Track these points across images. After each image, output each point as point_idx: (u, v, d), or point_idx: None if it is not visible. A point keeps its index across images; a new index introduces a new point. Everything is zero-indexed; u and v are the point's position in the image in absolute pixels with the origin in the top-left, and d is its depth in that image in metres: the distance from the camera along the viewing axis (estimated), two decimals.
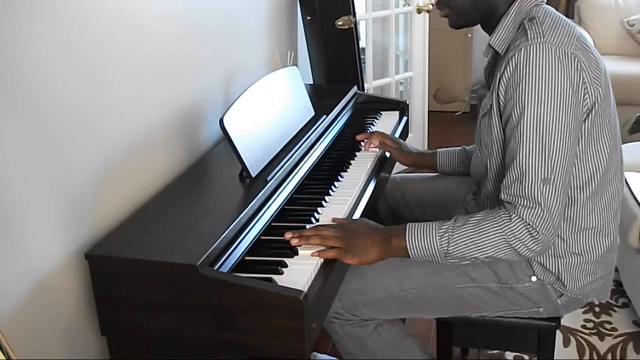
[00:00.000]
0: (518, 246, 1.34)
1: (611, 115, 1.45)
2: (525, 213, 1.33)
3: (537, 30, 1.36)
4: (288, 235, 1.38)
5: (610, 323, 2.31)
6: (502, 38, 1.47)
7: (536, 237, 1.33)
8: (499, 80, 1.40)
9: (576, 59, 1.34)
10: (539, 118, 1.32)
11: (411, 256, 1.41)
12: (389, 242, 1.41)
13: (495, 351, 2.15)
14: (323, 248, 1.38)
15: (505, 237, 1.34)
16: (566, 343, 2.20)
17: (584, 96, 1.36)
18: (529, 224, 1.33)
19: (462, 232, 1.37)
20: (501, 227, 1.35)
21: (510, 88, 1.36)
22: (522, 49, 1.34)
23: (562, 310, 1.57)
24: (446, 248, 1.38)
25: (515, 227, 1.33)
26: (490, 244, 1.35)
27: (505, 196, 1.37)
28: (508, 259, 1.39)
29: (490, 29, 1.51)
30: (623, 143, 1.57)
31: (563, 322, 1.66)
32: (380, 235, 1.42)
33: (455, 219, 1.40)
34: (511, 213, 1.34)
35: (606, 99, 1.42)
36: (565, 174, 1.35)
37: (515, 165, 1.35)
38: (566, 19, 1.44)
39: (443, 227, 1.39)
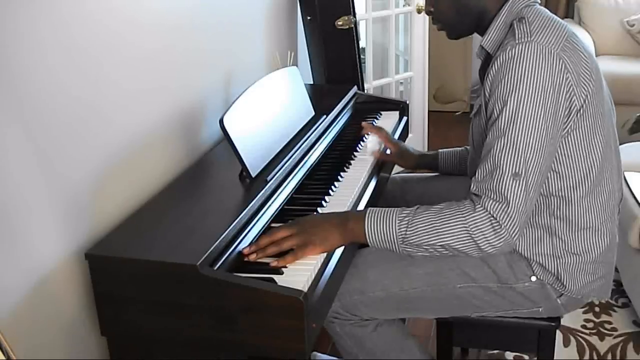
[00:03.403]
0: (479, 238, 1.33)
1: (604, 114, 1.45)
2: (490, 205, 1.32)
3: (525, 30, 1.36)
4: (246, 251, 1.36)
5: (610, 323, 2.31)
6: (493, 39, 1.48)
7: (499, 231, 1.32)
8: (486, 79, 1.41)
9: (561, 60, 1.34)
10: (517, 114, 1.32)
11: (368, 241, 1.40)
12: (346, 224, 1.41)
13: (495, 351, 2.15)
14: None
15: (467, 226, 1.33)
16: (566, 343, 2.21)
17: (570, 98, 1.36)
18: (493, 217, 1.32)
19: (423, 217, 1.37)
20: (464, 215, 1.34)
21: (494, 85, 1.37)
22: (508, 48, 1.35)
23: (562, 310, 1.57)
24: (404, 232, 1.37)
25: (479, 217, 1.33)
26: (451, 231, 1.34)
27: (474, 188, 1.37)
28: (466, 253, 1.37)
29: (483, 31, 1.52)
30: (623, 143, 1.57)
31: (563, 322, 1.66)
32: (338, 218, 1.42)
33: (418, 206, 1.40)
34: (476, 204, 1.34)
35: (598, 97, 1.42)
36: (538, 174, 1.34)
37: (489, 158, 1.35)
38: (558, 19, 1.44)
39: (404, 212, 1.39)
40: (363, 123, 1.99)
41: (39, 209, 1.28)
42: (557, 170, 1.42)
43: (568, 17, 4.47)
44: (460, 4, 1.50)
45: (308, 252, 1.37)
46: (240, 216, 1.38)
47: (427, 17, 3.54)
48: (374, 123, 2.19)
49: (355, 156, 1.91)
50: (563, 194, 1.44)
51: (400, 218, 1.38)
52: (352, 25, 2.68)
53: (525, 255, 1.51)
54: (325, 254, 1.39)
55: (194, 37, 1.82)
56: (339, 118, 2.11)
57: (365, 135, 2.00)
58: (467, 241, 1.34)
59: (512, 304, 1.55)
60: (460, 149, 1.92)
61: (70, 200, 1.35)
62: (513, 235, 1.33)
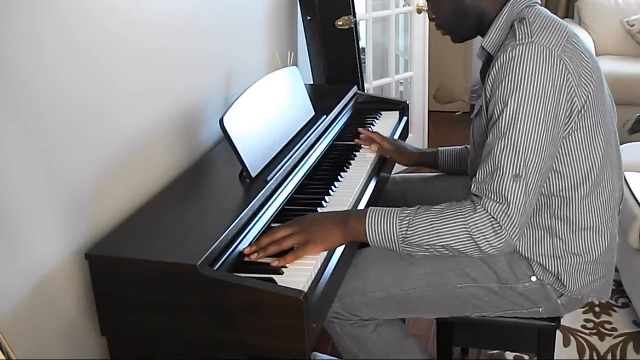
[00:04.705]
0: (479, 239, 1.33)
1: (605, 114, 1.45)
2: (491, 206, 1.33)
3: (526, 30, 1.36)
4: (247, 251, 1.36)
5: (610, 323, 2.31)
6: (494, 39, 1.48)
7: (499, 232, 1.32)
8: (486, 79, 1.41)
9: (561, 61, 1.34)
10: (518, 115, 1.32)
11: (369, 240, 1.41)
12: (347, 222, 1.41)
13: (495, 351, 2.15)
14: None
15: (467, 227, 1.33)
16: (566, 343, 2.20)
17: (571, 99, 1.36)
18: (493, 218, 1.32)
19: (424, 217, 1.37)
20: (464, 216, 1.34)
21: (494, 86, 1.37)
22: (509, 49, 1.35)
23: (562, 310, 1.57)
24: (405, 232, 1.37)
25: (479, 218, 1.33)
26: (451, 231, 1.34)
27: (475, 189, 1.37)
28: (466, 253, 1.37)
29: (484, 33, 1.52)
30: (623, 143, 1.57)
31: (563, 322, 1.66)
32: (339, 217, 1.43)
33: (419, 206, 1.40)
34: (477, 205, 1.34)
35: (598, 97, 1.42)
36: (538, 175, 1.34)
37: (489, 159, 1.35)
38: (558, 19, 1.44)
39: (405, 211, 1.40)
40: (356, 140, 1.97)
41: (38, 209, 1.28)
42: (558, 169, 1.43)
43: (568, 17, 4.47)
44: (458, 9, 1.51)
45: (309, 251, 1.37)
46: (240, 216, 1.38)
47: (427, 16, 3.54)
48: (373, 123, 2.19)
49: (355, 156, 1.91)
50: (564, 194, 1.44)
51: (401, 218, 1.38)
52: (352, 25, 2.68)
53: (526, 255, 1.51)
54: (325, 254, 1.39)
55: (194, 37, 1.82)
56: (339, 118, 2.11)
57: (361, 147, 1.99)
58: (467, 241, 1.34)
59: (512, 304, 1.55)
60: (460, 147, 1.92)
61: (70, 200, 1.35)
62: (513, 236, 1.33)
